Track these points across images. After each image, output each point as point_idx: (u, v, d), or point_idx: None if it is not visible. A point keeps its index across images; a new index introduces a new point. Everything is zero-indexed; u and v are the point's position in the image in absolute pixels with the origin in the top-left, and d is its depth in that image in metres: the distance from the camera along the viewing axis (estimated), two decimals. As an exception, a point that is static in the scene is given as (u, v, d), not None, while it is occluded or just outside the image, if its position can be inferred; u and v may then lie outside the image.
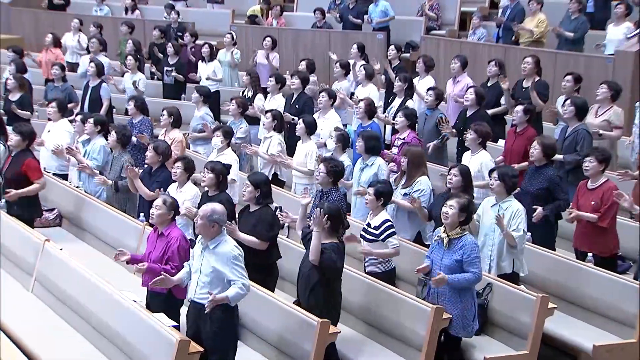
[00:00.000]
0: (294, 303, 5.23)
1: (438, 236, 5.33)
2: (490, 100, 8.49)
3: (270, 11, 13.28)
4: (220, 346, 4.77)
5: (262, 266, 5.59)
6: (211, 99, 9.15)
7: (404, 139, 7.42)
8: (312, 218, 5.06)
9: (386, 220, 5.63)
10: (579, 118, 7.15)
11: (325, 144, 7.95)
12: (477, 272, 5.16)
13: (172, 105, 8.53)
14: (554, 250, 6.35)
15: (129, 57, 10.07)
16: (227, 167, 6.28)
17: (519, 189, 6.25)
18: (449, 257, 5.17)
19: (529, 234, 6.03)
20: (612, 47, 9.88)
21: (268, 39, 10.94)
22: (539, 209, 6.17)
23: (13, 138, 6.80)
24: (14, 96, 9.12)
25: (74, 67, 11.43)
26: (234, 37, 11.40)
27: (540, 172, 6.40)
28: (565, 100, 7.42)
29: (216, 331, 4.75)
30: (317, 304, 5.05)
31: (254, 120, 8.79)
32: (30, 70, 10.47)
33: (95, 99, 9.50)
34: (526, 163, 7.07)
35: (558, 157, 6.88)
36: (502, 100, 8.48)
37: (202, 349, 4.66)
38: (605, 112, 7.61)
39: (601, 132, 7.38)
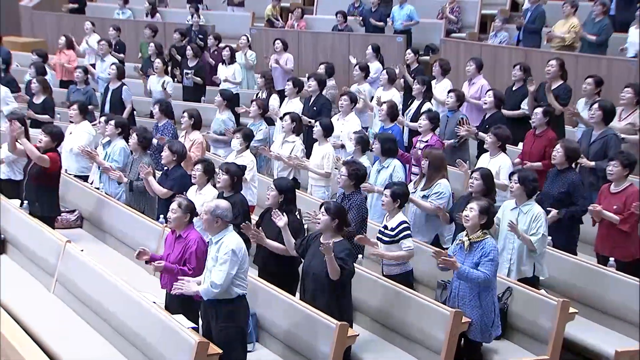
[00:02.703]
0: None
1: (460, 240, 5.31)
2: (515, 104, 8.43)
3: (290, 13, 13.31)
4: (226, 342, 4.78)
5: (285, 272, 5.58)
6: (233, 103, 9.19)
7: (427, 141, 7.36)
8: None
9: (402, 222, 5.60)
10: (606, 122, 7.08)
11: (342, 146, 7.95)
12: (488, 273, 5.11)
13: (192, 107, 8.58)
14: (575, 254, 6.29)
15: (157, 60, 10.15)
16: (242, 169, 6.30)
17: (538, 192, 6.19)
18: (470, 261, 5.14)
19: (550, 237, 5.98)
20: (634, 49, 9.76)
21: (278, 42, 10.97)
22: (553, 211, 6.11)
23: (43, 139, 6.88)
24: (38, 99, 9.24)
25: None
26: (249, 39, 11.44)
27: (562, 175, 6.35)
28: (592, 104, 7.33)
29: (222, 327, 4.81)
30: (330, 308, 5.03)
31: (268, 122, 8.82)
32: (50, 73, 10.59)
33: (115, 102, 9.58)
34: (539, 163, 7.02)
35: (589, 164, 6.81)
36: (524, 105, 8.40)
37: (220, 351, 4.67)
38: (629, 115, 7.53)
39: (623, 135, 7.30)
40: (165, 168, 6.90)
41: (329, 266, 4.95)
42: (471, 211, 5.19)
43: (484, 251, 5.11)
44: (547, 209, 6.10)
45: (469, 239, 5.19)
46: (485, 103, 8.04)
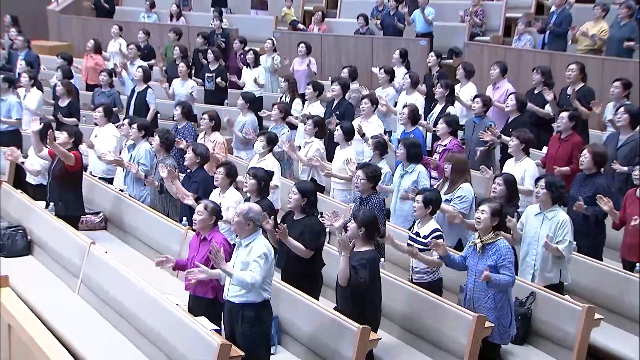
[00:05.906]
0: (334, 309, 5.22)
1: (472, 242, 5.29)
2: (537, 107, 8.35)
3: (312, 17, 13.34)
4: (251, 345, 4.79)
5: (307, 274, 5.58)
6: (257, 106, 9.23)
7: (445, 145, 7.33)
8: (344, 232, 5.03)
9: (435, 230, 5.55)
10: (632, 126, 6.99)
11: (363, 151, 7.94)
12: (512, 275, 5.11)
13: (212, 110, 8.63)
14: (601, 259, 6.22)
15: (181, 64, 10.22)
16: (270, 174, 6.31)
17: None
18: (483, 263, 5.12)
19: (574, 242, 5.92)
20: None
21: (302, 45, 10.98)
22: (581, 202, 6.04)
23: (60, 137, 6.96)
24: (63, 102, 9.35)
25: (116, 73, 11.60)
26: (275, 42, 11.47)
27: (590, 180, 6.30)
28: (618, 108, 7.25)
29: (247, 331, 4.81)
30: (353, 313, 5.02)
31: (290, 126, 8.83)
32: (76, 76, 10.69)
33: (140, 104, 9.66)
34: (567, 168, 6.95)
35: (623, 169, 6.72)
36: (548, 107, 8.32)
37: (242, 353, 4.68)
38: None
39: None
40: (188, 170, 6.95)
41: (340, 270, 4.95)
42: (483, 213, 5.17)
43: (499, 254, 5.09)
44: (577, 198, 6.04)
45: (482, 241, 5.17)
46: (508, 106, 7.98)
